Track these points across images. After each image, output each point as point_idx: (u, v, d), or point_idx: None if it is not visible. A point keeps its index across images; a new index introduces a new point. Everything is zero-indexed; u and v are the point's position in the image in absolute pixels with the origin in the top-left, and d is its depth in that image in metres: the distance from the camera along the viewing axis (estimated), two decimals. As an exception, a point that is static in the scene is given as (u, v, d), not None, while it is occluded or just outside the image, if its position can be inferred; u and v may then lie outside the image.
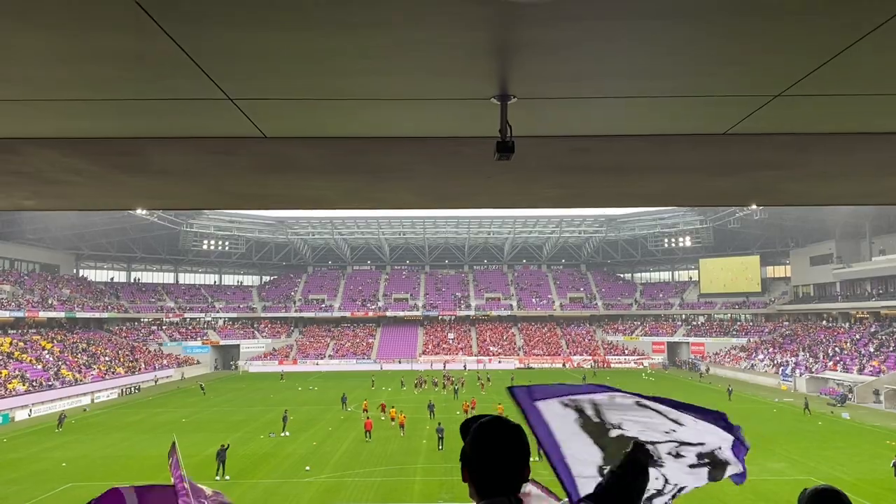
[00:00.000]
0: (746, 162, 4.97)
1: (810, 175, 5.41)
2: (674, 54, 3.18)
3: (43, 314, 72.09)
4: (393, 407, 45.73)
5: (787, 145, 4.51)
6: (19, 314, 68.09)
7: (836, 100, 3.73)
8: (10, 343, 63.47)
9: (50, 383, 57.93)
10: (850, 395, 54.82)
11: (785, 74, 3.37)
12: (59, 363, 63.94)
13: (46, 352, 65.87)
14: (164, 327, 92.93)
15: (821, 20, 2.80)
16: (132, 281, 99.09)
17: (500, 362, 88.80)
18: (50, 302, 74.56)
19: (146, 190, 5.93)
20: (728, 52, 3.15)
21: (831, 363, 63.46)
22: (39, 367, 60.95)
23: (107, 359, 71.70)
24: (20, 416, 49.39)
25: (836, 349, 66.76)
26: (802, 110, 3.92)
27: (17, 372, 56.91)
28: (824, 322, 78.73)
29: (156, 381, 72.52)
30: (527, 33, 2.94)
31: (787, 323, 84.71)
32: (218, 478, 28.55)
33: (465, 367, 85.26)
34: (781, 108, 3.81)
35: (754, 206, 60.01)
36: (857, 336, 67.68)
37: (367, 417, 41.32)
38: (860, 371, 58.74)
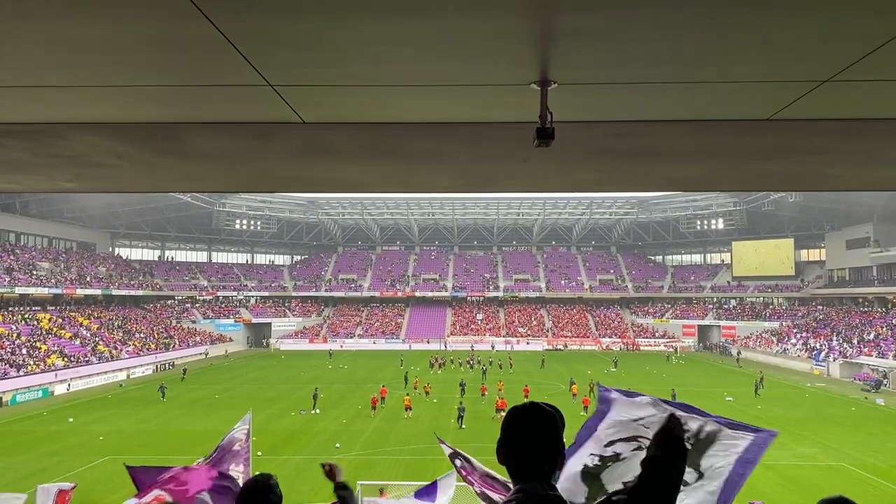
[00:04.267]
0: (790, 147, 4.87)
1: (856, 161, 5.27)
2: (721, 40, 3.11)
3: (80, 291, 73.74)
4: (428, 384, 47.06)
5: (834, 131, 4.40)
6: (58, 291, 69.73)
7: (887, 85, 3.62)
8: (50, 319, 65.10)
9: (87, 359, 59.36)
10: (884, 381, 53.89)
11: (835, 60, 3.28)
12: (96, 339, 65.45)
13: (84, 328, 67.45)
14: (197, 305, 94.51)
15: (877, 2, 2.71)
16: (166, 259, 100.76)
17: (528, 343, 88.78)
18: (87, 279, 76.17)
19: (185, 173, 6.00)
20: (777, 37, 3.08)
21: (866, 348, 62.38)
22: (77, 342, 62.46)
23: (142, 335, 73.23)
24: (59, 390, 50.75)
25: (872, 334, 65.57)
26: (851, 95, 3.81)
27: (55, 347, 58.40)
28: (860, 307, 77.33)
29: (206, 355, 77.39)
30: (571, 20, 2.90)
31: (821, 307, 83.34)
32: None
33: (493, 347, 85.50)
34: (829, 94, 3.71)
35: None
36: (894, 321, 66.36)
37: (407, 395, 42.04)
38: (896, 357, 57.73)
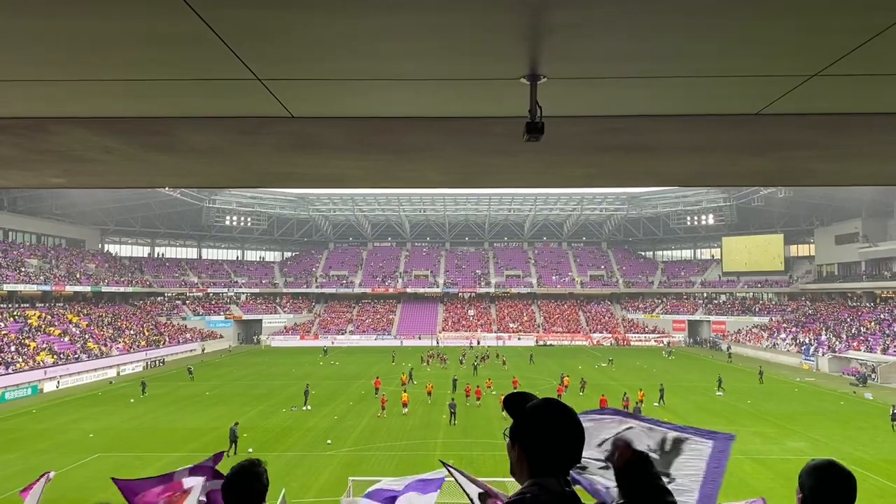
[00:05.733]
0: (780, 142, 4.89)
1: (845, 155, 5.30)
2: (710, 34, 3.12)
3: (69, 288, 73.31)
4: (430, 384, 46.16)
5: (823, 125, 4.42)
6: (46, 288, 69.30)
7: (875, 79, 3.64)
8: (39, 316, 64.72)
9: (77, 356, 59.06)
10: (872, 376, 54.33)
11: (823, 54, 3.29)
12: (86, 336, 65.11)
13: (73, 325, 67.08)
14: (187, 302, 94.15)
15: (864, -2, 2.72)
16: (156, 256, 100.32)
17: (519, 339, 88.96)
18: (76, 276, 75.74)
19: (175, 168, 5.97)
20: (765, 31, 3.08)
21: (855, 343, 62.83)
22: (66, 339, 62.13)
23: (132, 332, 72.90)
24: (48, 387, 50.47)
25: (860, 329, 66.06)
26: (839, 90, 3.83)
27: (45, 344, 58.07)
28: (848, 301, 77.86)
29: (203, 350, 79.08)
30: (559, 14, 2.90)
31: (810, 302, 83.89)
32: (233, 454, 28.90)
33: (478, 342, 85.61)
34: (818, 88, 3.73)
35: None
36: (883, 316, 66.85)
37: (405, 391, 42.05)
38: (884, 351, 58.13)
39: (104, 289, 79.36)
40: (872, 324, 65.86)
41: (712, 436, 4.05)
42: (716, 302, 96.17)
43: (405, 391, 42.34)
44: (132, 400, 44.84)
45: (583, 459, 3.92)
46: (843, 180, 6.44)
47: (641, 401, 39.31)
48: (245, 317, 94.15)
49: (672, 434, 4.04)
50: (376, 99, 4.13)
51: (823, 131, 4.58)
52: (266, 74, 3.60)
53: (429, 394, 43.33)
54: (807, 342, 68.63)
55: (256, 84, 3.69)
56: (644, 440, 3.88)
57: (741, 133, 4.65)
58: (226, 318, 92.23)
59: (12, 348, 54.35)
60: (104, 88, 3.87)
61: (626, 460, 2.53)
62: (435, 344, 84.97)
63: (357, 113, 4.35)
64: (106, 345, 65.19)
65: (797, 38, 3.15)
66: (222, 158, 5.56)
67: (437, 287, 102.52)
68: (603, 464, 3.82)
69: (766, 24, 3.00)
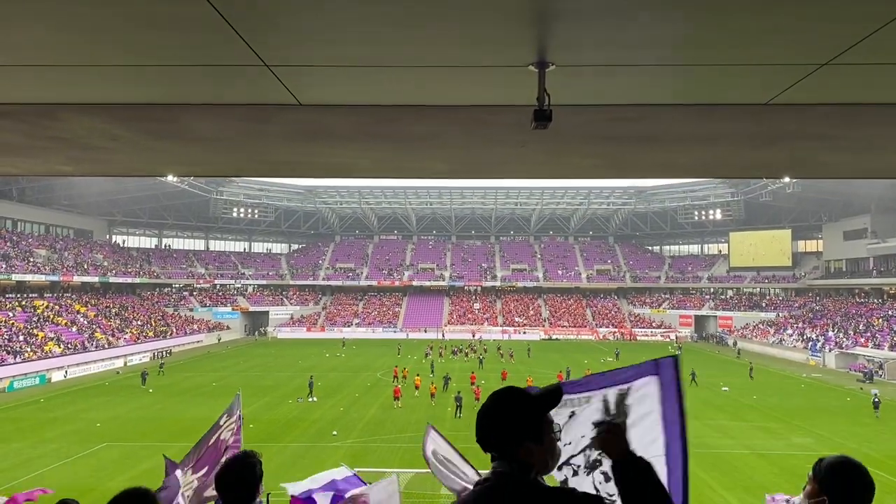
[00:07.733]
0: (788, 132, 4.84)
1: (856, 147, 5.25)
2: (720, 22, 3.09)
3: (77, 278, 73.64)
4: (418, 375, 46.29)
5: (832, 115, 4.38)
6: (54, 278, 69.64)
7: (886, 69, 3.60)
8: (47, 306, 65.05)
9: (84, 346, 59.37)
10: (880, 372, 54.13)
11: (834, 42, 3.26)
12: (94, 326, 65.44)
13: (81, 315, 67.41)
14: (194, 293, 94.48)
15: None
16: (164, 247, 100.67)
17: (524, 333, 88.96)
18: (84, 267, 76.07)
19: (180, 156, 5.96)
20: (776, 20, 3.05)
21: (862, 339, 62.59)
22: (74, 329, 62.45)
23: (139, 323, 73.23)
24: (56, 377, 50.78)
25: (868, 325, 65.79)
26: (850, 79, 3.79)
27: (52, 334, 58.39)
28: (856, 298, 77.52)
29: (219, 339, 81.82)
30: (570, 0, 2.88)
31: (817, 298, 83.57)
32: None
33: (473, 336, 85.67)
34: (828, 77, 3.69)
35: (788, 179, 59.06)
36: (891, 312, 66.54)
37: (396, 384, 42.41)
38: (892, 347, 57.89)
39: (112, 279, 79.71)
40: (880, 320, 65.57)
41: (652, 369, 3.61)
42: (722, 297, 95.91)
43: (417, 375, 43.76)
44: (150, 390, 45.19)
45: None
46: (852, 173, 6.39)
47: None
48: (252, 308, 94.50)
49: (613, 392, 3.64)
50: (384, 86, 4.11)
51: (833, 122, 4.54)
52: (274, 60, 3.59)
53: (432, 395, 41.33)
54: (813, 338, 68.40)
55: (264, 70, 3.68)
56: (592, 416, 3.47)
57: (750, 124, 4.61)
58: (233, 309, 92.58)
59: (20, 338, 54.67)
60: (109, 74, 3.86)
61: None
62: (441, 337, 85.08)
63: (364, 101, 4.34)
64: (113, 335, 65.51)
65: (808, 26, 3.11)
66: (228, 146, 5.56)
67: (443, 280, 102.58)
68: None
69: (777, 11, 2.97)
